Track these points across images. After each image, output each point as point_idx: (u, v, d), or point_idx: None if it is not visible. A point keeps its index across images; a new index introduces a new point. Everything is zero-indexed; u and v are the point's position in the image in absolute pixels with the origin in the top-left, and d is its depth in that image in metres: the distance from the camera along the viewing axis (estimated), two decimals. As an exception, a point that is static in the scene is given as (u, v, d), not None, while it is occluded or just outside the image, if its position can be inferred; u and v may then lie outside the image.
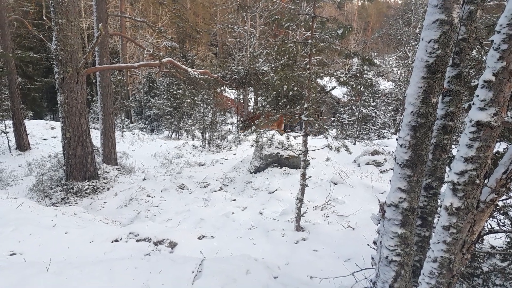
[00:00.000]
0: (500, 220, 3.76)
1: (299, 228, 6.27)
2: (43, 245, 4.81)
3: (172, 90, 21.87)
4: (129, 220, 8.11)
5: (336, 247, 5.65)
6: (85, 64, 8.87)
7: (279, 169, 10.67)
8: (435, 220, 3.45)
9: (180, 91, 21.18)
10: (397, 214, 2.72)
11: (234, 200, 9.10)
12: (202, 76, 10.55)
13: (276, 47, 6.08)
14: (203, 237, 6.01)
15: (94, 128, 19.06)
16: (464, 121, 2.39)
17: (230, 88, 13.22)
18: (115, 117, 17.89)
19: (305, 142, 6.10)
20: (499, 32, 2.10)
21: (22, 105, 14.46)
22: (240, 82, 11.32)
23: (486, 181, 2.54)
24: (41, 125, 18.00)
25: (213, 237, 6.09)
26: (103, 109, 11.59)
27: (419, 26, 23.60)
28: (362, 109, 16.28)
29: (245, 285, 3.91)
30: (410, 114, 2.56)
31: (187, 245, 5.56)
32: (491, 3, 4.13)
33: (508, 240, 4.14)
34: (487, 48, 3.49)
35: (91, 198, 9.19)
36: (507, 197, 3.48)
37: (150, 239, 5.48)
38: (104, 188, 9.75)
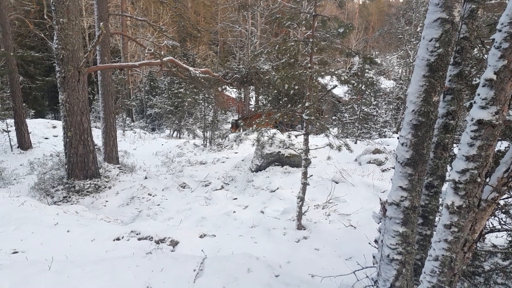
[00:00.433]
0: (501, 218, 3.75)
1: (300, 227, 6.28)
2: (45, 243, 4.82)
3: (173, 89, 21.87)
4: (131, 219, 8.13)
5: (337, 245, 5.65)
6: (86, 63, 8.88)
7: (280, 168, 10.67)
8: (437, 218, 3.45)
9: (181, 90, 21.18)
10: (398, 213, 2.72)
11: (236, 198, 9.11)
12: (203, 75, 10.55)
13: (277, 46, 6.07)
14: (204, 236, 6.02)
15: (95, 127, 19.10)
16: (465, 120, 2.39)
17: (231, 87, 13.24)
18: (116, 116, 17.91)
19: (306, 141, 6.09)
20: (500, 30, 2.09)
21: (24, 104, 14.49)
22: (241, 81, 11.32)
23: (487, 180, 2.54)
24: (42, 124, 18.03)
25: (215, 236, 6.10)
26: (104, 108, 11.61)
27: (420, 24, 23.54)
28: (363, 108, 16.27)
29: (247, 283, 3.92)
30: (412, 112, 2.55)
31: (189, 243, 5.57)
32: (492, 1, 4.12)
33: (510, 238, 4.14)
34: (488, 46, 3.48)
35: (93, 196, 9.21)
36: (509, 196, 3.48)
37: (152, 237, 5.49)
38: (105, 187, 9.77)
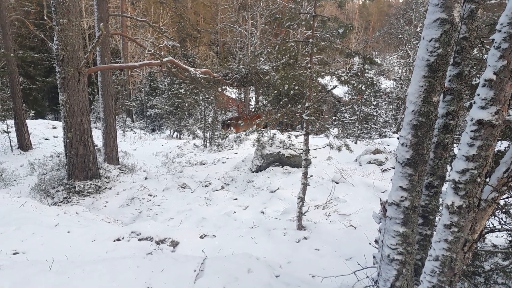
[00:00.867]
0: (501, 218, 3.75)
1: (300, 227, 6.28)
2: (46, 244, 4.83)
3: (173, 89, 21.87)
4: (131, 219, 8.13)
5: (337, 246, 5.66)
6: (86, 63, 8.89)
7: (281, 168, 10.67)
8: (437, 219, 3.46)
9: (181, 90, 21.18)
10: (398, 213, 2.73)
11: (236, 199, 9.12)
12: (203, 76, 10.56)
13: (277, 46, 6.08)
14: (204, 236, 6.02)
15: (95, 127, 19.10)
16: (465, 120, 2.40)
17: (231, 88, 13.24)
18: (116, 116, 17.91)
19: (306, 141, 6.10)
20: (500, 31, 2.10)
21: (24, 104, 14.50)
22: (241, 82, 11.33)
23: (487, 180, 2.54)
24: (42, 124, 18.04)
25: (215, 236, 6.10)
26: (104, 108, 11.62)
27: (420, 25, 23.55)
28: (363, 108, 16.27)
29: (247, 284, 3.92)
30: (411, 113, 2.56)
31: (189, 244, 5.57)
32: (492, 1, 4.13)
33: (510, 238, 4.14)
34: (488, 47, 3.49)
35: (93, 197, 9.21)
36: (509, 196, 3.48)
37: (152, 238, 5.49)
38: (106, 188, 9.78)
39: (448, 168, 3.42)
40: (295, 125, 22.07)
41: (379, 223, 3.16)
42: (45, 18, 23.61)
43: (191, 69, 10.39)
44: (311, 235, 6.05)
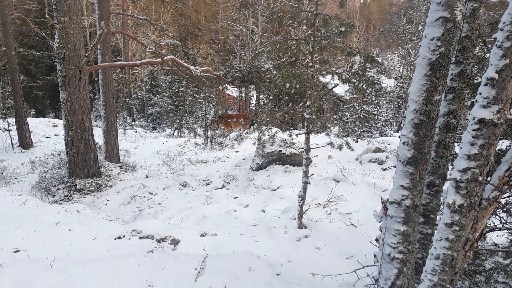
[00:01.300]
0: (502, 217, 3.75)
1: (301, 226, 6.28)
2: (47, 242, 4.84)
3: (174, 88, 21.87)
4: (132, 218, 8.14)
5: (338, 244, 5.66)
6: (88, 62, 8.89)
7: (281, 167, 10.67)
8: (438, 217, 3.46)
9: (182, 89, 21.19)
10: (399, 212, 2.73)
11: (236, 197, 9.12)
12: (204, 74, 10.54)
13: (278, 44, 6.07)
14: (205, 235, 6.03)
15: (96, 126, 19.11)
16: (467, 119, 2.39)
17: (232, 86, 13.20)
18: (117, 115, 17.93)
19: (307, 140, 6.09)
20: (502, 29, 2.09)
21: (25, 103, 14.53)
22: (242, 80, 11.31)
23: (488, 179, 2.54)
24: (43, 123, 18.06)
25: (216, 235, 6.11)
26: (105, 107, 11.62)
27: (421, 23, 23.50)
28: (364, 106, 16.26)
29: (248, 282, 3.93)
30: (413, 111, 2.55)
31: (190, 242, 5.58)
32: (494, 0, 4.12)
33: (511, 237, 4.14)
34: (490, 45, 3.48)
35: (94, 195, 9.22)
36: (510, 195, 3.48)
37: (153, 236, 5.50)
38: (106, 186, 9.78)
39: (449, 167, 3.42)
40: (296, 124, 22.07)
41: (380, 222, 3.16)
42: (46, 16, 23.50)
43: (192, 67, 10.38)
44: (312, 233, 6.05)
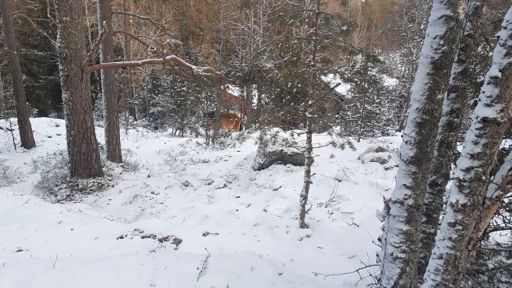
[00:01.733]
0: (505, 217, 3.74)
1: (303, 225, 6.28)
2: (49, 241, 4.85)
3: (175, 87, 21.88)
4: (134, 217, 8.15)
5: (340, 244, 5.65)
6: (89, 61, 8.90)
7: (283, 166, 10.67)
8: (441, 217, 3.44)
9: (184, 88, 21.19)
10: (402, 211, 2.72)
11: (238, 197, 9.12)
12: (205, 73, 10.54)
13: (280, 44, 6.06)
14: (207, 234, 6.03)
15: (98, 125, 19.17)
16: (470, 118, 2.38)
17: (233, 85, 13.22)
18: (119, 114, 17.93)
19: (309, 139, 6.08)
20: (505, 27, 2.08)
21: (27, 102, 14.55)
22: (243, 79, 11.30)
23: (492, 178, 2.53)
24: (45, 122, 18.10)
25: (218, 234, 6.11)
26: (107, 106, 11.63)
27: (423, 22, 23.41)
28: (366, 106, 16.23)
29: (250, 281, 3.92)
30: (415, 110, 2.54)
31: (192, 241, 5.58)
32: (497, -2, 4.10)
33: (514, 237, 4.13)
34: (493, 44, 3.46)
35: (96, 195, 9.24)
36: (513, 194, 3.46)
37: (155, 235, 5.50)
38: (108, 185, 9.80)
39: (452, 166, 3.41)
40: (297, 123, 22.05)
41: (382, 221, 3.15)
42: (48, 16, 23.57)
43: (193, 67, 10.38)
44: (314, 233, 6.04)
